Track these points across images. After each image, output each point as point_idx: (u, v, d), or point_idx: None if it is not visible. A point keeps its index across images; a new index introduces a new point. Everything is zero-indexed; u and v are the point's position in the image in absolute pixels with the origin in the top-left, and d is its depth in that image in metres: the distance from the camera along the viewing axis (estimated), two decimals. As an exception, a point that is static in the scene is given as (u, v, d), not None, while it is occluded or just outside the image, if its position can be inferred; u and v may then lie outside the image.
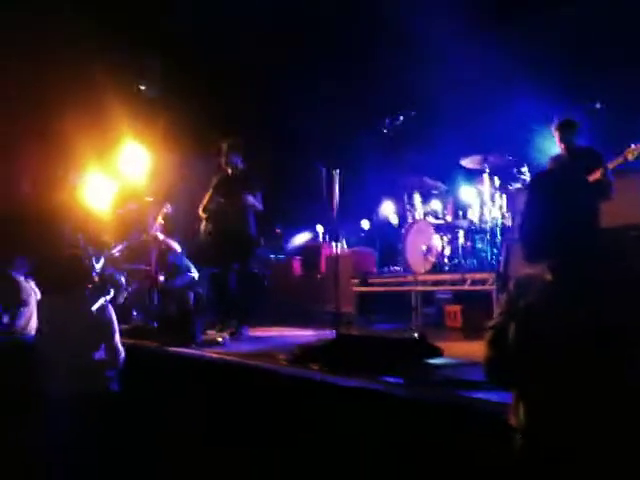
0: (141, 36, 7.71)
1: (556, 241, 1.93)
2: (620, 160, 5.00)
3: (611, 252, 1.92)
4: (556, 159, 5.53)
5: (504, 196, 6.45)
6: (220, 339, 5.32)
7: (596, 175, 4.98)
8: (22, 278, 5.33)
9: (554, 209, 1.94)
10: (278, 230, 10.15)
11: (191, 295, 7.28)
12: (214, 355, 4.62)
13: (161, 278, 7.11)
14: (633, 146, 4.95)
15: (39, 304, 4.49)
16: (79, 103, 7.45)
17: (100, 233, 6.95)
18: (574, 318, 1.77)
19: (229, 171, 6.33)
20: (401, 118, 4.73)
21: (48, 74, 7.33)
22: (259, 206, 6.28)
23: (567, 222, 1.91)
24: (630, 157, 4.97)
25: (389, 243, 8.63)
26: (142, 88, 8.49)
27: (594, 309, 1.75)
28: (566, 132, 5.38)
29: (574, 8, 6.26)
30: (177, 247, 7.26)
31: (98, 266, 5.56)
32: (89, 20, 6.94)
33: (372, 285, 7.45)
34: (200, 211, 6.37)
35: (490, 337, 2.02)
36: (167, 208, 7.05)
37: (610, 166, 4.99)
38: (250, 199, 6.18)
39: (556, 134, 5.45)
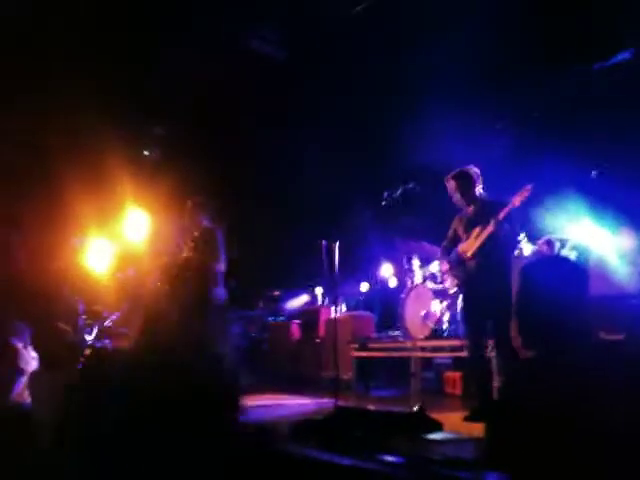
0: (145, 102, 7.88)
1: (542, 330, 1.98)
2: (508, 208, 4.98)
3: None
4: (461, 215, 5.43)
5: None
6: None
7: (490, 228, 5.00)
8: (21, 345, 5.29)
9: (540, 301, 2.00)
10: (276, 292, 10.14)
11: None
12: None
13: None
14: (519, 192, 4.97)
15: (30, 379, 4.44)
16: (82, 167, 7.55)
17: (93, 302, 6.91)
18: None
19: (193, 232, 6.08)
20: (400, 190, 4.81)
21: (50, 139, 7.47)
22: (220, 267, 5.88)
23: (553, 313, 1.97)
24: (517, 202, 4.97)
25: (388, 306, 8.63)
26: (146, 153, 8.64)
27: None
28: (458, 184, 5.26)
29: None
30: None
31: (90, 338, 5.48)
32: (93, 85, 7.09)
33: (371, 350, 7.41)
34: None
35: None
36: None
37: (501, 216, 4.96)
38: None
39: (449, 185, 5.33)
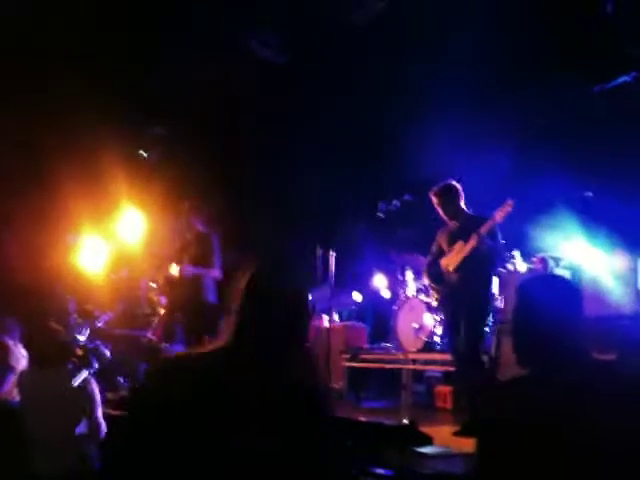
0: (145, 102, 7.87)
1: (538, 348, 1.99)
2: (491, 223, 5.02)
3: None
4: (444, 229, 5.45)
5: (495, 278, 6.50)
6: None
7: (472, 242, 5.02)
8: (11, 343, 5.25)
9: (536, 318, 2.00)
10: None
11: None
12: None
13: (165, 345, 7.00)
14: (501, 207, 5.02)
15: (19, 377, 4.41)
16: (77, 166, 7.52)
17: (85, 301, 6.86)
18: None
19: (187, 235, 6.18)
20: (396, 203, 4.83)
21: (50, 138, 7.44)
22: (215, 273, 5.99)
23: (549, 331, 1.97)
24: (499, 218, 5.02)
25: (381, 317, 8.62)
26: (144, 154, 8.62)
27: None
28: (442, 199, 5.29)
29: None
30: None
31: (82, 338, 5.44)
32: (93, 85, 7.09)
33: (363, 361, 7.41)
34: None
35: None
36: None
37: (483, 230, 4.98)
38: (197, 269, 5.93)
39: (433, 199, 5.36)
